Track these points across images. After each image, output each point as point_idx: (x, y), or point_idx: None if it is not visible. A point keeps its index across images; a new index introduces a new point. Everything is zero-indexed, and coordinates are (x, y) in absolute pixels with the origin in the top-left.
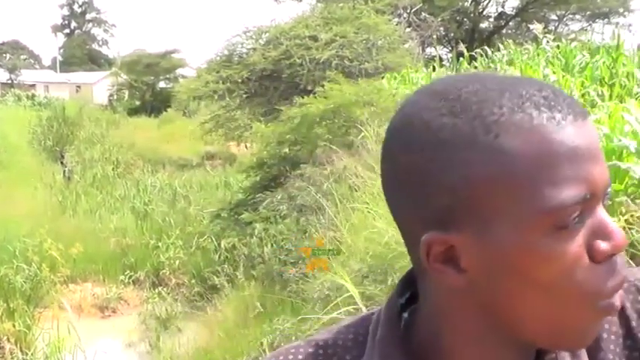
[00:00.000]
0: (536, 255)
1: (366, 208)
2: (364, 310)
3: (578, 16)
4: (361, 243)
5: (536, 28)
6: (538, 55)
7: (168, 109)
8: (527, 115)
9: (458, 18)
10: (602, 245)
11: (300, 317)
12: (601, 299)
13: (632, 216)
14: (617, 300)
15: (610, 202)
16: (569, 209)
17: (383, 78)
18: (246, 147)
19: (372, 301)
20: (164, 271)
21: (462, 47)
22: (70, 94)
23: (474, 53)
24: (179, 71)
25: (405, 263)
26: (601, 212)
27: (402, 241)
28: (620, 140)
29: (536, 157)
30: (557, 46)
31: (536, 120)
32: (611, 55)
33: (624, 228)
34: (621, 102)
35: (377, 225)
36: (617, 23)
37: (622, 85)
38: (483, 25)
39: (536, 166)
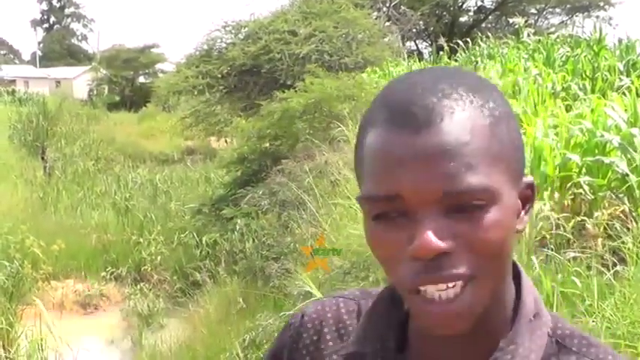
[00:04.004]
0: (367, 236)
1: (348, 203)
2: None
3: (558, 10)
4: (343, 239)
5: (517, 21)
6: (518, 48)
7: (148, 104)
8: (374, 119)
9: (437, 12)
10: (409, 247)
11: (282, 313)
12: (409, 289)
13: (615, 210)
14: (429, 294)
15: (593, 197)
16: (373, 203)
17: (364, 72)
18: (226, 142)
19: None
20: (146, 267)
21: (441, 41)
22: (50, 90)
23: (454, 46)
24: (158, 66)
25: None
26: (422, 218)
27: None
28: (602, 135)
29: (368, 155)
30: (539, 40)
31: (373, 124)
32: (593, 49)
33: (607, 223)
34: (603, 96)
35: (358, 221)
36: (598, 16)
37: (604, 79)
38: (463, 18)
39: (366, 161)
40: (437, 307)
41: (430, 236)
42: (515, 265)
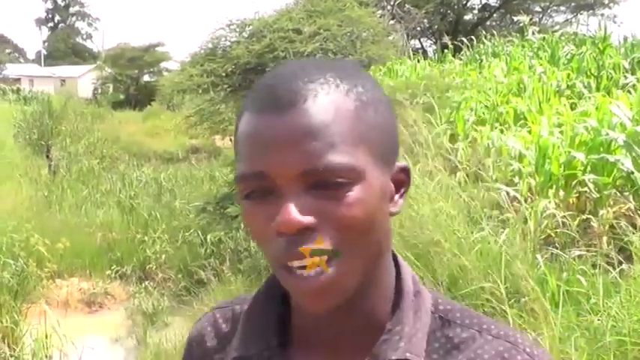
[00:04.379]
0: (242, 215)
1: None
2: None
3: (562, 8)
4: None
5: (522, 19)
6: (523, 46)
7: (153, 103)
8: (247, 104)
9: (442, 10)
10: (273, 223)
11: None
12: (279, 265)
13: (620, 208)
14: (296, 270)
15: (598, 195)
16: (243, 182)
17: (368, 71)
18: (230, 140)
19: None
20: (150, 265)
21: (446, 39)
22: (55, 88)
23: (458, 44)
24: (163, 65)
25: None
26: (285, 194)
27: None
28: (607, 133)
29: (238, 137)
30: (543, 38)
31: (246, 109)
32: (598, 47)
33: (612, 221)
34: (608, 94)
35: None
36: (602, 14)
37: (609, 77)
38: (467, 17)
39: (239, 143)
40: (303, 282)
41: (292, 211)
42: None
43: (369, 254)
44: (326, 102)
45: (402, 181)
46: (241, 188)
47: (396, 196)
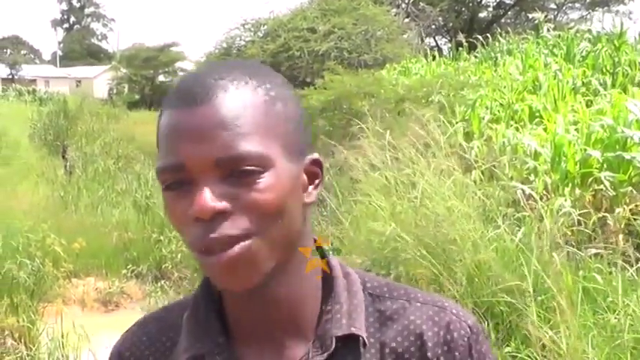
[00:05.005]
0: (164, 207)
1: (368, 200)
2: None
3: (577, 5)
4: (363, 236)
5: (537, 16)
6: (538, 44)
7: None
8: (165, 102)
9: (456, 8)
10: (190, 210)
11: None
12: (197, 250)
13: (636, 206)
14: (212, 256)
15: (614, 193)
16: (162, 174)
17: (383, 69)
18: None
19: None
20: (166, 264)
21: (460, 37)
22: (71, 89)
23: (473, 41)
24: (178, 65)
25: (408, 256)
26: (200, 183)
27: (404, 233)
28: (623, 131)
29: (158, 133)
30: (558, 35)
31: (164, 107)
32: (613, 44)
33: (629, 218)
34: (624, 91)
35: (378, 219)
36: (617, 11)
37: (624, 74)
38: (482, 14)
39: (159, 138)
40: (214, 259)
41: (205, 197)
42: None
43: (281, 238)
44: (236, 96)
45: (315, 173)
46: (161, 180)
47: (310, 187)
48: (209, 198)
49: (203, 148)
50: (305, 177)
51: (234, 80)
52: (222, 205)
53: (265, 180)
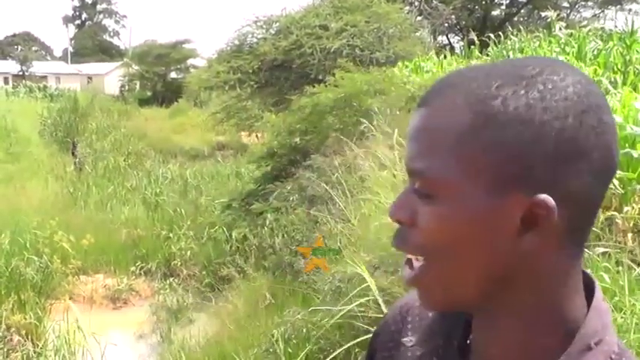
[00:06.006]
0: None
1: (377, 199)
2: (380, 301)
3: (590, 3)
4: (371, 234)
5: (549, 14)
6: (550, 42)
7: (180, 100)
8: None
9: (469, 6)
10: None
11: (311, 308)
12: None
13: None
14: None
15: (623, 191)
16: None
17: (395, 67)
18: (257, 137)
19: (384, 292)
20: (175, 262)
21: (472, 35)
22: (82, 86)
23: (486, 39)
24: (190, 61)
25: None
26: (404, 189)
27: None
28: (632, 129)
29: None
30: (570, 34)
31: None
32: (625, 42)
33: (637, 217)
34: (635, 89)
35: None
36: (630, 10)
37: (636, 73)
38: (495, 12)
39: None
40: (405, 274)
41: (394, 202)
42: (590, 282)
43: (460, 273)
44: (445, 105)
45: (536, 216)
46: None
47: (528, 233)
48: (395, 203)
49: (406, 152)
50: (517, 218)
51: (461, 85)
52: (401, 215)
53: (433, 207)
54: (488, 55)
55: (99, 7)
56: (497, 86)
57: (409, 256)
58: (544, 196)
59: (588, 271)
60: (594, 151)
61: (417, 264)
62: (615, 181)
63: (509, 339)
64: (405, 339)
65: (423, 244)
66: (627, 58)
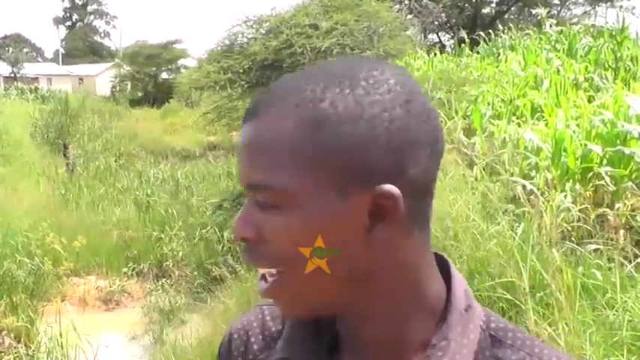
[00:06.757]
0: None
1: None
2: None
3: (580, 0)
4: None
5: (540, 12)
6: (540, 39)
7: (171, 100)
8: None
9: (459, 4)
10: None
11: None
12: None
13: (637, 201)
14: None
15: (615, 188)
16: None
17: None
18: None
19: None
20: (167, 262)
21: (463, 33)
22: (73, 87)
23: (476, 37)
24: (181, 62)
25: None
26: (245, 206)
27: None
28: (623, 126)
29: None
30: (561, 31)
31: None
32: (615, 39)
33: (629, 214)
34: (626, 86)
35: None
36: (621, 6)
37: (627, 69)
38: (485, 10)
39: None
40: (260, 287)
41: (237, 221)
42: (443, 259)
43: (315, 285)
44: (273, 115)
45: (381, 207)
46: None
47: (379, 225)
48: (239, 222)
49: (241, 168)
50: (364, 213)
51: (286, 93)
52: (247, 233)
53: (279, 218)
54: (478, 52)
55: (89, 9)
56: (322, 89)
57: (262, 270)
58: (388, 186)
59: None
60: (425, 136)
61: (270, 278)
62: (607, 178)
63: (380, 323)
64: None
65: (274, 257)
66: (618, 54)
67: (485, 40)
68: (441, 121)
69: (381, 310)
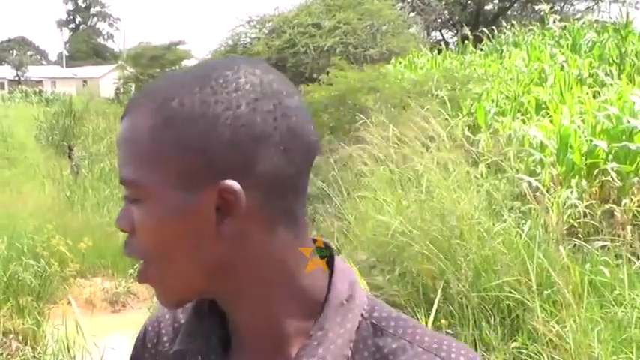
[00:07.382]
0: None
1: (373, 196)
2: None
3: None
4: (368, 232)
5: (543, 8)
6: (544, 35)
7: None
8: None
9: (462, 1)
10: None
11: None
12: None
13: None
14: None
15: (621, 184)
16: None
17: (389, 63)
18: None
19: (381, 291)
20: None
21: (466, 31)
22: (77, 89)
23: (479, 34)
24: (185, 63)
25: (414, 251)
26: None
27: (409, 230)
28: (628, 121)
29: None
30: (564, 27)
31: None
32: (620, 34)
33: (636, 210)
34: (631, 81)
35: (384, 214)
36: (625, 1)
37: (631, 64)
38: (488, 7)
39: None
40: (137, 274)
41: (119, 214)
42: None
43: (177, 269)
44: (138, 114)
45: (226, 201)
46: None
47: (226, 219)
48: (119, 213)
49: (120, 167)
50: (212, 208)
51: (151, 93)
52: (123, 226)
53: (140, 211)
54: (482, 49)
55: (93, 11)
56: (176, 89)
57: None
58: (229, 182)
59: (326, 239)
60: (276, 133)
61: (143, 270)
62: (613, 174)
63: (251, 313)
64: (163, 349)
65: (139, 249)
66: (622, 50)
67: (488, 37)
68: (446, 119)
69: (249, 298)
